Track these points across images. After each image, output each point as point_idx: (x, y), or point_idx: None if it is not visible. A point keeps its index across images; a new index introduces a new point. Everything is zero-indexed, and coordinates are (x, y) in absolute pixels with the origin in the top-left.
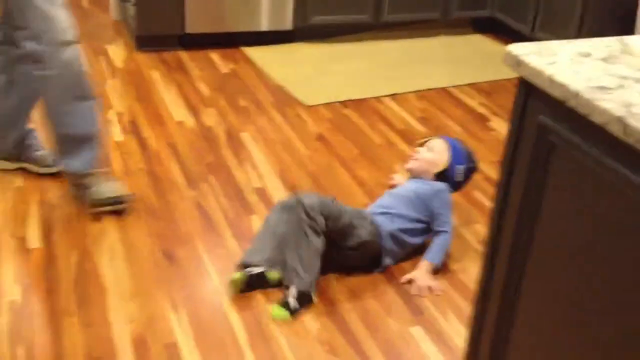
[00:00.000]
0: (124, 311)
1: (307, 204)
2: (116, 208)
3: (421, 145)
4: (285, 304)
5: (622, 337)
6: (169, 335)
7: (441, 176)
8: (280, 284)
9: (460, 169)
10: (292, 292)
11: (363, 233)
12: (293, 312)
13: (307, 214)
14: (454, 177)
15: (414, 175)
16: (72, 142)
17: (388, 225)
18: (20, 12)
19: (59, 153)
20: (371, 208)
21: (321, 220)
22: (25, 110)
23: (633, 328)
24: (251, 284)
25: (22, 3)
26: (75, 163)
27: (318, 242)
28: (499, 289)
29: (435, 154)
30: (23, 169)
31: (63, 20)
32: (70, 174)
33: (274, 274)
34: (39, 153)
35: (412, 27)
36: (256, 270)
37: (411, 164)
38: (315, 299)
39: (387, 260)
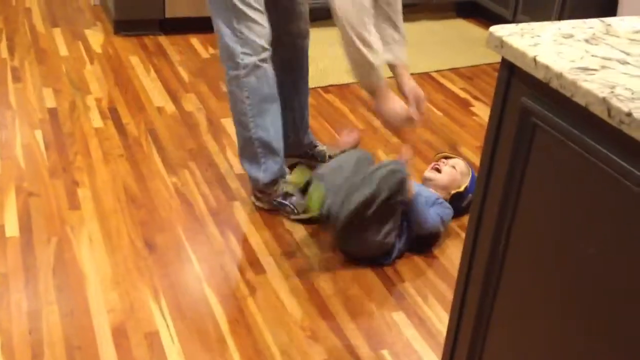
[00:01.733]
0: (104, 300)
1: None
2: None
3: (444, 158)
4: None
5: (605, 305)
6: (150, 324)
7: (452, 197)
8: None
9: (470, 198)
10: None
11: (390, 235)
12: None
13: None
14: (462, 203)
15: (429, 185)
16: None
17: (403, 233)
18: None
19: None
20: None
21: (385, 195)
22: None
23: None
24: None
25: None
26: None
27: (367, 198)
28: (480, 274)
29: (458, 174)
30: None
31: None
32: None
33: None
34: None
35: None
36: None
37: (435, 175)
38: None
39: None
